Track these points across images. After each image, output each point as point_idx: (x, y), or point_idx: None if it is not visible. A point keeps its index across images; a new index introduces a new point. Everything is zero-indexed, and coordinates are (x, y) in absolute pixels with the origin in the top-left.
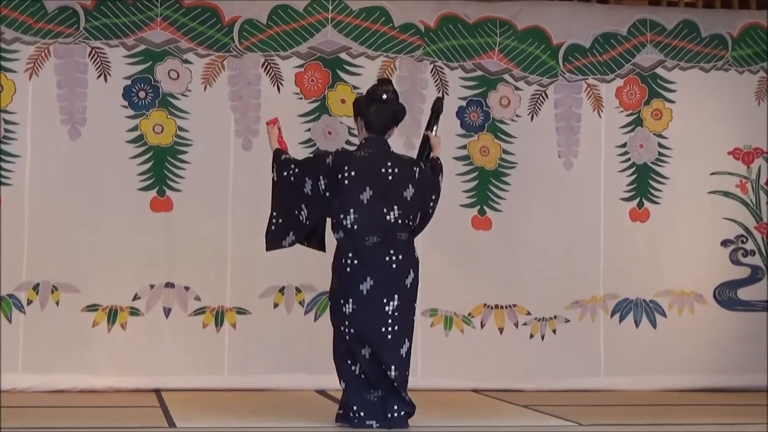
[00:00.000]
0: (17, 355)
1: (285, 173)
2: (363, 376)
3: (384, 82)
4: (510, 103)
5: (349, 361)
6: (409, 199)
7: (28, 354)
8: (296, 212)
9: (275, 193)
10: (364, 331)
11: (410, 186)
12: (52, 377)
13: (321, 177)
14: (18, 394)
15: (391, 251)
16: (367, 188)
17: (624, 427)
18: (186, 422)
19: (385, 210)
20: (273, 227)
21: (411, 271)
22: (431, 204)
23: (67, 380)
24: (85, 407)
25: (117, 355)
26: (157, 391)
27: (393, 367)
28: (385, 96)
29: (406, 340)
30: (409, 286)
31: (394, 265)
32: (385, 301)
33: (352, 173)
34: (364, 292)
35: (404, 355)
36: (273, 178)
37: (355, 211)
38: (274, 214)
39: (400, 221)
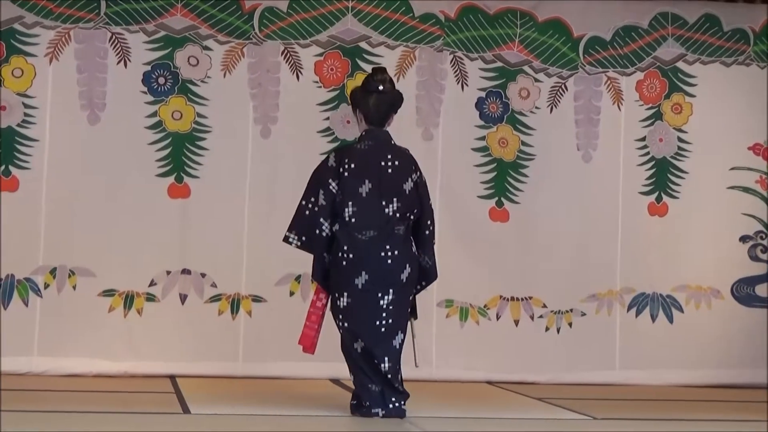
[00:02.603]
0: (33, 339)
1: (307, 213)
2: (361, 367)
3: (379, 72)
4: (529, 94)
5: (353, 356)
6: (408, 192)
7: (44, 337)
8: (322, 234)
9: (308, 244)
10: (357, 324)
11: (410, 179)
12: (67, 361)
13: (330, 180)
14: (33, 378)
15: (387, 246)
16: (366, 181)
17: (638, 421)
18: (200, 408)
19: (383, 203)
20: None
21: (407, 265)
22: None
23: (82, 364)
24: (100, 392)
25: (132, 340)
26: (172, 377)
27: (386, 359)
28: (381, 87)
29: (400, 332)
30: (404, 280)
31: (389, 261)
32: (379, 295)
33: (352, 165)
34: (359, 286)
35: (397, 347)
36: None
37: (353, 204)
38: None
39: (398, 214)
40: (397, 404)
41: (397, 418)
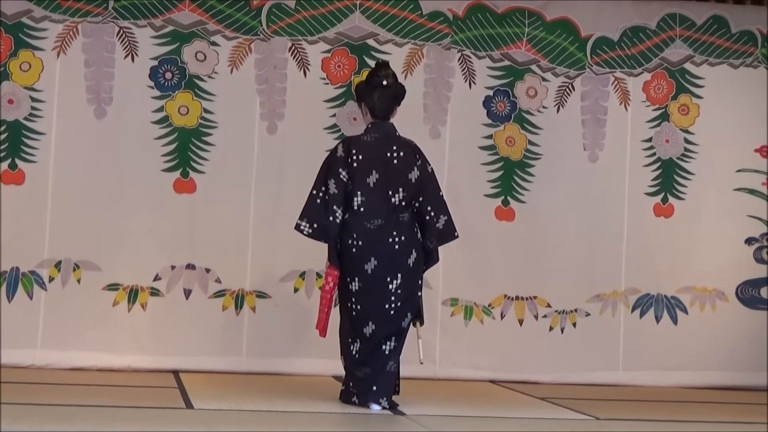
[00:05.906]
0: (37, 332)
1: (318, 201)
2: (357, 355)
3: (382, 67)
4: (537, 94)
5: (349, 339)
6: (413, 181)
7: (48, 331)
8: (336, 221)
9: (320, 231)
10: (369, 307)
11: (415, 168)
12: (71, 354)
13: (340, 169)
14: (37, 371)
15: (394, 233)
16: (374, 172)
17: (641, 422)
18: (203, 404)
19: (390, 193)
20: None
21: (413, 251)
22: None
23: (86, 358)
24: (104, 386)
25: (136, 334)
26: (176, 372)
27: (393, 338)
28: (385, 82)
29: (409, 313)
30: (411, 265)
31: (396, 246)
32: (388, 279)
33: (360, 157)
34: (369, 272)
35: (404, 327)
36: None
37: (362, 194)
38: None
39: (404, 203)
40: (376, 389)
41: (372, 404)
